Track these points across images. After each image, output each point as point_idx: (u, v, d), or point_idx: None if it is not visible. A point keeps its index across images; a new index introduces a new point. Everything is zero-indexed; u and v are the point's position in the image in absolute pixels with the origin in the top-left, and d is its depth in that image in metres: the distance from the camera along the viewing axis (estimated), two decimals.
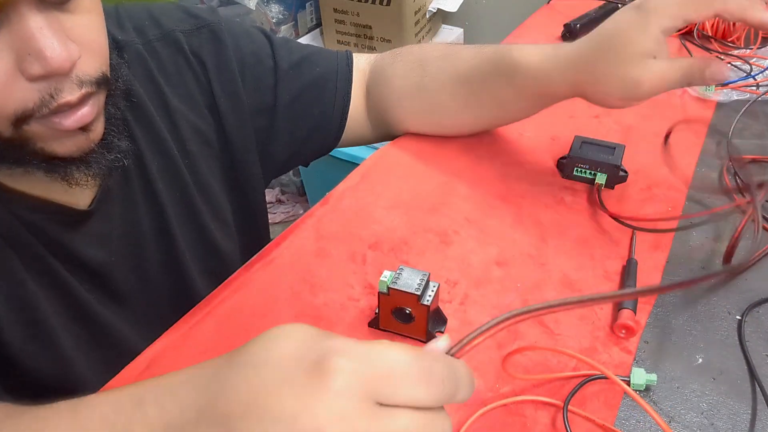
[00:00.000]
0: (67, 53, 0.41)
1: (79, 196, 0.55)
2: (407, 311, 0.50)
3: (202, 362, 0.34)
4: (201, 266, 0.66)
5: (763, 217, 0.64)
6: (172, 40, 0.63)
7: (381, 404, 0.28)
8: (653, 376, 0.48)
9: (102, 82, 0.46)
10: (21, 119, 0.43)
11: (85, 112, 0.45)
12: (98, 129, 0.48)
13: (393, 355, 0.29)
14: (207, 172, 0.66)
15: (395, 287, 0.49)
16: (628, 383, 0.48)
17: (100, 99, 0.47)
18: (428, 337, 0.51)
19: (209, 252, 0.67)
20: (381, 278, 0.49)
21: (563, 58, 0.60)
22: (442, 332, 0.52)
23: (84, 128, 0.46)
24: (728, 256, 0.58)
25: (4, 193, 0.50)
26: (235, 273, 0.59)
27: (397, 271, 0.50)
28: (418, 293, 0.48)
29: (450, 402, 0.30)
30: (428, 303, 0.49)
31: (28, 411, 0.37)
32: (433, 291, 0.50)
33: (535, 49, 0.63)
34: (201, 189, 0.65)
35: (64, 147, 0.46)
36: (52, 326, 0.53)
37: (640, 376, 0.48)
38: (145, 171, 0.60)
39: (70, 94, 0.43)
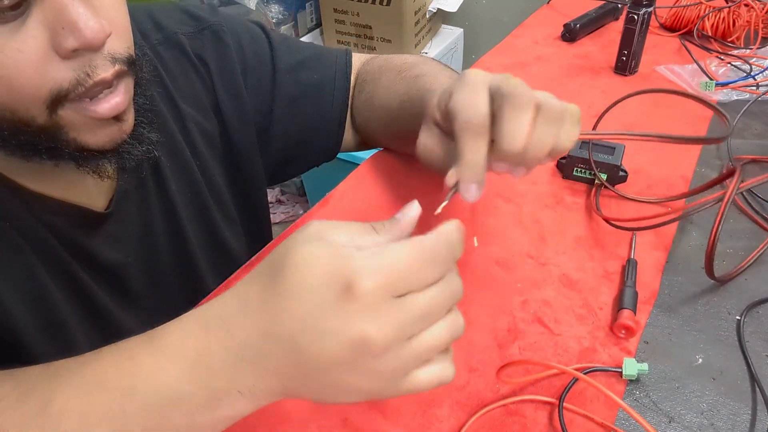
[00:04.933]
0: (100, 26, 0.41)
1: (96, 198, 0.55)
2: None
3: (238, 286, 0.37)
4: (212, 266, 0.66)
5: (763, 217, 0.64)
6: (174, 43, 0.63)
7: (404, 296, 0.34)
8: (644, 366, 0.48)
9: (131, 63, 0.46)
10: (56, 100, 0.42)
11: (118, 100, 0.45)
12: (130, 119, 0.48)
13: (401, 257, 0.34)
14: (215, 172, 0.66)
15: None
16: (621, 374, 0.48)
17: (130, 84, 0.47)
18: None
19: (219, 252, 0.67)
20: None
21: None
22: None
23: (117, 117, 0.46)
24: (711, 249, 0.58)
25: (26, 196, 0.50)
26: (235, 273, 0.59)
27: None
28: None
29: (454, 261, 0.36)
30: None
31: (106, 348, 0.39)
32: None
33: (445, 80, 0.59)
34: (211, 190, 0.66)
35: (96, 138, 0.46)
36: (70, 328, 0.53)
37: (631, 367, 0.48)
38: (159, 173, 0.60)
39: (105, 71, 0.43)
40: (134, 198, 0.58)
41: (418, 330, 0.35)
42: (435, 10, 1.80)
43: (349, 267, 0.34)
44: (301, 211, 2.02)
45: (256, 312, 0.35)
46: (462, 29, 1.95)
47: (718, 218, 0.52)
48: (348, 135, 0.75)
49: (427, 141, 0.51)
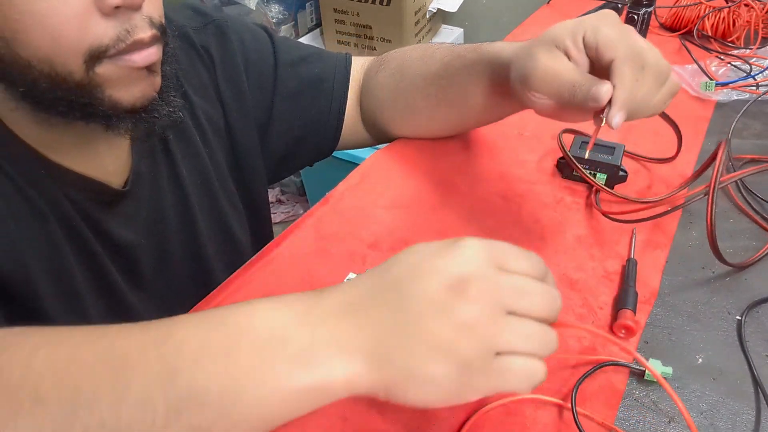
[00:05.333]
0: None
1: (113, 177, 0.57)
2: None
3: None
4: (219, 254, 0.68)
5: (763, 217, 0.64)
6: (183, 35, 0.65)
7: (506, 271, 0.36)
8: (669, 369, 0.48)
9: (163, 31, 0.49)
10: (95, 56, 0.44)
11: (152, 51, 0.47)
12: (159, 78, 0.51)
13: (506, 245, 0.38)
14: (222, 162, 0.68)
15: None
16: (643, 373, 0.48)
17: (161, 50, 0.49)
18: None
19: (226, 239, 0.69)
20: (346, 280, 0.48)
21: (516, 46, 0.59)
22: None
23: (149, 68, 0.48)
24: (711, 231, 0.58)
25: (52, 167, 0.52)
26: (236, 273, 0.59)
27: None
28: None
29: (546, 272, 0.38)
30: None
31: (215, 308, 0.39)
32: None
33: (504, 43, 0.62)
34: (219, 178, 0.67)
35: (130, 94, 0.48)
36: (86, 301, 0.54)
37: (657, 367, 0.48)
38: (170, 156, 0.62)
39: (143, 32, 0.46)
40: (147, 180, 0.60)
41: (513, 305, 0.35)
42: (435, 10, 1.80)
43: (460, 239, 0.37)
44: (301, 211, 2.02)
45: (369, 276, 0.38)
46: (462, 29, 1.94)
47: (713, 182, 0.52)
48: (358, 128, 0.76)
49: (552, 64, 0.52)
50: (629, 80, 0.48)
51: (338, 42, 1.84)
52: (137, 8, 0.45)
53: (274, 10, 1.77)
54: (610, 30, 0.50)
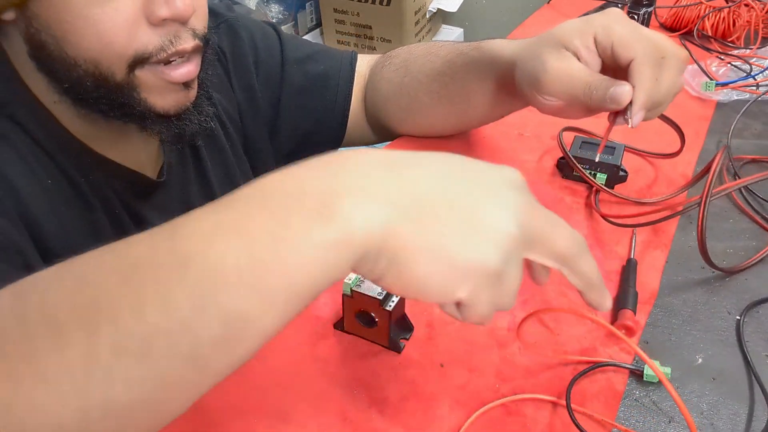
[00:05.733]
0: (190, 1, 0.46)
1: (145, 169, 0.59)
2: (371, 315, 0.49)
3: None
4: None
5: (763, 217, 0.64)
6: None
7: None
8: (668, 369, 0.48)
9: (206, 42, 0.51)
10: (138, 61, 0.47)
11: (191, 68, 0.50)
12: (194, 89, 0.53)
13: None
14: (242, 153, 0.71)
15: (358, 290, 0.49)
16: (641, 374, 0.48)
17: (200, 60, 0.52)
18: (391, 343, 0.51)
19: None
20: (345, 280, 0.49)
21: (519, 45, 0.60)
22: (407, 339, 0.51)
23: (186, 84, 0.51)
24: (700, 233, 0.58)
25: (96, 156, 0.54)
26: None
27: None
28: (380, 298, 0.48)
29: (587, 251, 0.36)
30: (390, 309, 0.48)
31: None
32: (396, 297, 0.49)
33: (506, 41, 0.63)
34: (241, 168, 0.70)
35: (164, 101, 0.50)
36: None
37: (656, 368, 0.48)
38: (196, 152, 0.65)
39: (187, 43, 0.48)
40: (176, 174, 0.63)
41: (540, 226, 0.34)
42: (435, 10, 1.80)
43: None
44: None
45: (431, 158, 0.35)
46: (462, 29, 1.95)
47: (705, 193, 0.52)
48: (362, 125, 0.77)
49: (563, 65, 0.52)
50: (649, 80, 0.48)
51: (338, 42, 1.84)
52: (184, 21, 0.47)
53: (274, 10, 1.77)
54: (623, 29, 0.50)
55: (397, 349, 0.51)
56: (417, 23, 1.75)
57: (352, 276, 0.49)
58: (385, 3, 1.68)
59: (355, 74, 0.75)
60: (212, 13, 0.69)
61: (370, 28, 1.76)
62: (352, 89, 0.75)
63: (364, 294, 0.48)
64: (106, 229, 0.54)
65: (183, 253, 0.31)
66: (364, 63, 0.77)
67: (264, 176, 0.34)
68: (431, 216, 0.31)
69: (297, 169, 0.33)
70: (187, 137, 0.58)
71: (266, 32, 0.73)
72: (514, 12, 1.88)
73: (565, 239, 0.34)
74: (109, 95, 0.48)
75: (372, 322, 0.50)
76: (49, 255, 0.50)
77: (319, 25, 1.90)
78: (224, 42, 0.69)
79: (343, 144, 0.78)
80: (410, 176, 0.32)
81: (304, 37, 1.89)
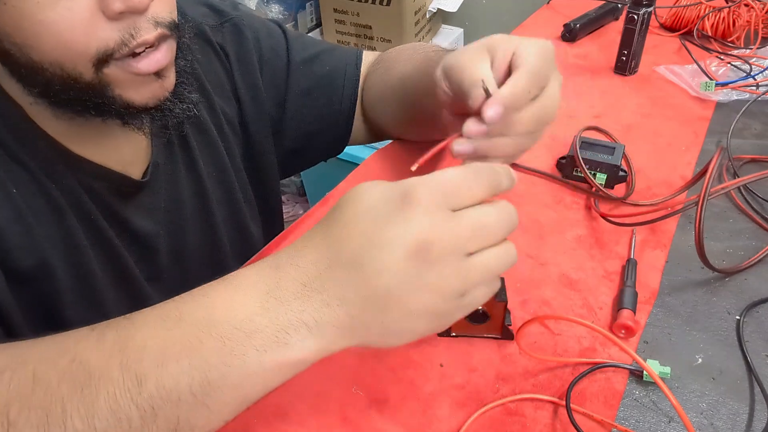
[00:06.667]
0: None
1: (132, 168, 0.57)
2: (480, 311, 0.50)
3: (305, 234, 0.40)
4: (233, 247, 0.69)
5: (763, 217, 0.64)
6: (200, 32, 0.66)
7: (456, 210, 0.37)
8: (667, 369, 0.48)
9: (173, 27, 0.49)
10: (102, 60, 0.45)
11: (159, 57, 0.48)
12: (171, 78, 0.51)
13: (453, 174, 0.37)
14: (237, 156, 0.69)
15: None
16: (641, 374, 0.48)
17: (172, 46, 0.50)
18: (505, 332, 0.51)
19: (241, 234, 0.70)
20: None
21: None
22: (510, 324, 0.52)
23: (158, 74, 0.49)
24: (698, 235, 0.58)
25: (71, 158, 0.52)
26: (254, 257, 0.60)
27: None
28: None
29: (500, 190, 0.38)
30: (505, 300, 0.49)
31: (180, 295, 0.39)
32: (503, 286, 0.50)
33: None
34: (235, 169, 0.69)
35: (140, 95, 0.49)
36: (103, 293, 0.55)
37: (655, 367, 0.48)
38: (188, 149, 0.63)
39: (148, 33, 0.46)
40: (166, 172, 0.61)
41: (474, 247, 0.37)
42: (435, 10, 1.80)
43: (406, 182, 0.37)
44: (301, 211, 2.01)
45: (321, 245, 0.38)
46: (462, 29, 1.95)
47: (703, 194, 0.52)
48: (358, 124, 0.76)
49: (472, 58, 0.49)
50: (521, 88, 0.45)
51: (338, 42, 1.84)
52: (141, 12, 0.45)
53: (274, 10, 1.77)
54: (536, 53, 0.48)
55: (511, 336, 0.51)
56: (417, 23, 1.75)
57: None
58: (385, 3, 1.68)
59: (360, 74, 0.75)
60: (216, 11, 0.69)
61: (370, 28, 1.76)
62: (357, 91, 0.74)
63: None
64: (79, 236, 0.53)
65: (135, 371, 0.35)
66: (367, 63, 0.77)
67: (206, 295, 0.38)
68: (374, 321, 0.37)
69: (240, 295, 0.37)
70: (172, 128, 0.56)
71: (271, 31, 0.72)
72: (514, 12, 1.88)
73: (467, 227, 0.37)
74: (82, 95, 0.47)
75: (484, 317, 0.50)
76: (15, 267, 0.49)
77: (319, 25, 1.90)
78: (228, 42, 0.68)
79: (349, 143, 0.78)
80: (337, 298, 0.36)
81: None
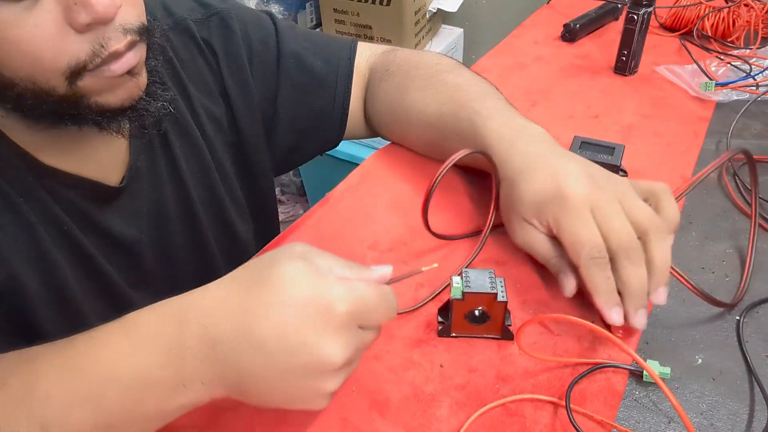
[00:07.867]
0: (110, 1, 0.43)
1: (111, 174, 0.57)
2: (479, 312, 0.50)
3: (219, 285, 0.41)
4: (221, 248, 0.68)
5: (763, 217, 0.64)
6: (184, 29, 0.64)
7: (363, 328, 0.41)
8: (667, 369, 0.48)
9: (143, 32, 0.49)
10: (75, 72, 0.45)
11: (130, 56, 0.47)
12: (143, 76, 0.51)
13: (370, 295, 0.40)
14: (223, 157, 0.68)
15: (470, 291, 0.49)
16: (641, 374, 0.48)
17: (142, 49, 0.49)
18: (505, 332, 0.52)
19: (228, 235, 0.69)
20: (453, 284, 0.49)
21: (505, 159, 0.58)
22: (510, 324, 0.52)
23: (131, 72, 0.48)
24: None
25: (42, 170, 0.52)
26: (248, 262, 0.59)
27: (463, 275, 0.50)
28: (495, 292, 0.49)
29: (388, 320, 0.43)
30: (505, 299, 0.50)
31: (80, 336, 0.41)
32: (503, 286, 0.50)
33: (496, 136, 0.59)
34: (221, 173, 0.67)
35: (116, 96, 0.49)
36: (80, 304, 0.54)
37: (655, 368, 0.48)
38: (169, 151, 0.62)
39: (118, 42, 0.46)
40: (147, 175, 0.60)
41: (358, 359, 0.42)
42: (435, 10, 1.80)
43: (331, 292, 0.39)
44: (301, 211, 2.02)
45: (236, 314, 0.39)
46: (462, 29, 1.94)
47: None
48: (358, 121, 0.75)
49: (528, 238, 0.55)
50: (599, 282, 0.49)
51: None
52: (107, 23, 0.44)
53: (274, 10, 1.77)
54: (571, 225, 0.51)
55: (511, 337, 0.52)
56: (417, 23, 1.75)
57: (458, 279, 0.49)
58: (385, 3, 1.68)
59: (355, 71, 0.73)
60: (202, 4, 0.66)
61: (370, 28, 1.76)
62: (351, 85, 0.73)
63: (477, 293, 0.49)
64: (52, 249, 0.52)
65: (40, 419, 0.38)
66: (363, 61, 0.75)
67: (108, 345, 0.40)
68: (261, 394, 0.40)
69: (140, 350, 0.39)
70: (150, 127, 0.56)
71: (262, 22, 0.70)
72: (514, 12, 1.88)
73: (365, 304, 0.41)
74: (57, 108, 0.47)
75: (484, 317, 0.50)
76: None
77: (319, 25, 1.90)
78: (215, 37, 0.66)
79: (345, 138, 0.77)
80: (234, 369, 0.39)
81: None
